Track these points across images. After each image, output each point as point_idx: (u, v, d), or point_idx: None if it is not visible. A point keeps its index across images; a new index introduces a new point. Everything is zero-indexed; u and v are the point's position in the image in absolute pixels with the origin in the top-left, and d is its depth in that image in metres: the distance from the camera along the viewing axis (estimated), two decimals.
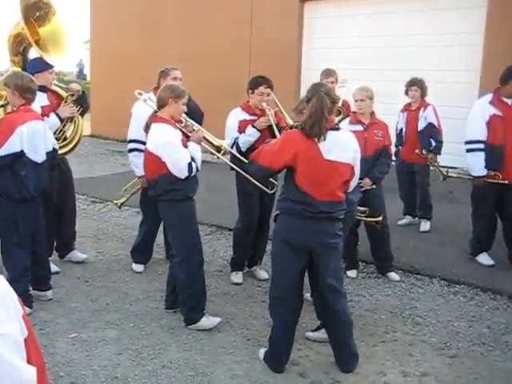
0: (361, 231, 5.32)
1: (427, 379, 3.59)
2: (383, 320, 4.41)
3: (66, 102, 5.07)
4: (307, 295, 4.05)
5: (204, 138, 4.31)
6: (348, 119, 5.22)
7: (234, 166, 4.71)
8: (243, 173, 4.47)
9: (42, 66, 4.85)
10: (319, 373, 3.61)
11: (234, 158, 4.81)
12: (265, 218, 5.09)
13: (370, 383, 3.55)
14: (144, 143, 4.35)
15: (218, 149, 4.36)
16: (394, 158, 6.58)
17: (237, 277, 5.14)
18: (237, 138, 4.85)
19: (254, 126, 4.82)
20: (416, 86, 6.49)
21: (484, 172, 5.31)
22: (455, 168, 6.48)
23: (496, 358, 3.86)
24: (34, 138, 4.18)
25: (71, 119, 5.13)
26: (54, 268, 4.97)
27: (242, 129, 4.88)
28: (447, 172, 6.17)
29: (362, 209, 4.77)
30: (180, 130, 4.14)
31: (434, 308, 4.65)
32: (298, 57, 10.90)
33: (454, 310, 4.61)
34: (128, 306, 4.53)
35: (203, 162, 4.30)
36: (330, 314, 3.63)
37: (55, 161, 4.63)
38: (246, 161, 4.07)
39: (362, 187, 5.03)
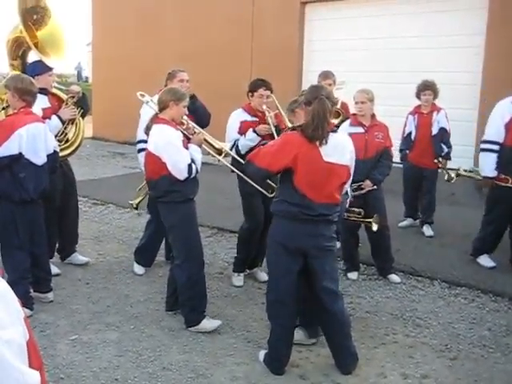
0: (361, 233, 5.33)
1: (427, 381, 3.59)
2: (384, 322, 4.41)
3: (66, 104, 5.08)
4: None
5: (205, 140, 4.33)
6: (348, 121, 5.23)
7: (235, 169, 4.71)
8: (243, 175, 4.47)
9: (41, 68, 4.87)
10: (319, 375, 3.61)
11: (234, 161, 4.82)
12: (268, 219, 5.06)
13: None
14: None
15: (219, 151, 4.37)
16: (400, 161, 6.60)
17: (238, 279, 5.14)
18: (237, 140, 4.87)
19: (254, 131, 4.84)
20: (430, 89, 6.38)
21: (494, 173, 5.22)
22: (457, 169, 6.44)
23: (497, 360, 3.85)
24: (34, 141, 4.19)
25: (72, 121, 5.15)
26: (54, 270, 4.99)
27: (242, 129, 4.90)
28: (458, 172, 6.13)
29: (357, 210, 4.75)
30: (181, 131, 4.16)
31: (435, 310, 4.65)
32: (298, 58, 10.91)
33: (455, 312, 4.61)
34: (128, 308, 4.54)
35: (204, 163, 4.32)
36: (328, 316, 3.62)
37: (56, 163, 4.63)
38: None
39: (362, 189, 5.05)
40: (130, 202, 5.47)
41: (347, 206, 4.36)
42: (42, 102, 4.70)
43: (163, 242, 5.29)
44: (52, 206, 4.86)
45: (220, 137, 4.73)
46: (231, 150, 4.81)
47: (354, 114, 5.23)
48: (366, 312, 4.59)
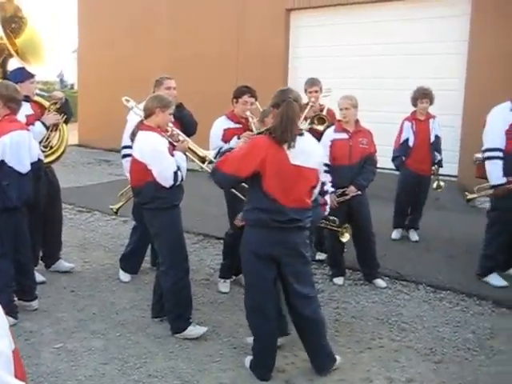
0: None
1: None
2: (369, 327, 4.43)
3: (49, 110, 5.07)
4: None
5: (189, 148, 4.33)
6: (333, 127, 5.27)
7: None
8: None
9: (23, 75, 4.84)
10: (305, 380, 3.61)
11: None
12: None
13: None
14: None
15: (203, 159, 4.37)
16: (396, 168, 6.51)
17: (224, 285, 5.15)
18: (221, 148, 4.90)
19: (239, 138, 4.86)
20: (428, 98, 6.32)
21: (503, 180, 5.02)
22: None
23: (481, 362, 3.89)
24: (18, 148, 4.16)
25: (56, 127, 5.13)
26: (39, 278, 4.96)
27: (226, 136, 4.94)
28: (467, 197, 6.02)
29: (332, 218, 4.75)
30: (166, 138, 4.16)
31: (420, 314, 4.68)
32: (284, 66, 10.97)
33: (440, 316, 4.64)
34: (114, 316, 4.51)
35: (190, 170, 4.32)
36: (300, 319, 3.61)
37: (41, 171, 4.62)
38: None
39: (347, 194, 5.08)
40: (111, 206, 5.47)
41: (326, 213, 4.35)
42: (25, 109, 4.67)
43: (149, 248, 5.28)
44: (36, 214, 4.83)
45: (207, 145, 4.74)
46: (215, 157, 4.78)
47: (339, 121, 5.26)
48: (352, 317, 4.61)
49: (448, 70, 9.06)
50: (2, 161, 4.09)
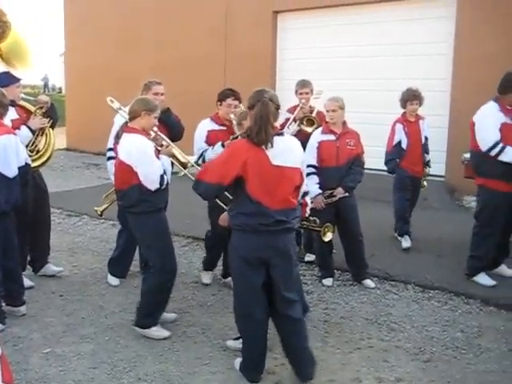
0: (335, 239, 5.35)
1: None
2: (358, 327, 4.45)
3: (35, 114, 5.05)
4: None
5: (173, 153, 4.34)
6: (320, 129, 5.29)
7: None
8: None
9: (8, 79, 4.81)
10: (295, 381, 3.61)
11: None
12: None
13: None
14: None
15: (184, 165, 4.38)
16: (390, 171, 6.40)
17: (207, 277, 5.33)
18: (204, 151, 4.97)
19: (223, 145, 4.91)
20: (417, 99, 6.26)
21: None
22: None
23: (469, 361, 3.91)
24: (5, 153, 4.15)
25: (42, 132, 5.11)
26: (27, 283, 4.93)
27: (210, 138, 5.01)
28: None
29: (312, 218, 4.74)
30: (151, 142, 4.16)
31: (409, 314, 4.70)
32: (272, 68, 10.99)
33: (428, 315, 4.67)
34: (103, 320, 4.50)
35: (175, 172, 4.33)
36: (283, 320, 3.55)
37: (28, 175, 4.59)
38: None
39: (334, 196, 5.10)
40: (96, 208, 5.46)
41: (307, 214, 4.34)
42: (10, 114, 4.64)
43: (137, 252, 5.26)
44: (24, 218, 4.80)
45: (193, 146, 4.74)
46: (198, 160, 4.92)
47: (326, 122, 5.28)
48: (341, 317, 4.62)
49: (434, 71, 9.12)
50: None
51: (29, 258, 5.27)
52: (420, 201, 7.42)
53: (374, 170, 8.11)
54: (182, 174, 4.41)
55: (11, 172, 4.22)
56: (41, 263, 5.39)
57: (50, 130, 5.22)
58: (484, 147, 4.98)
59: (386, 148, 6.43)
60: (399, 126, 6.31)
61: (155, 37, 12.55)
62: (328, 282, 5.33)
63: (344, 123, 5.24)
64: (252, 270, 3.44)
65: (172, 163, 4.35)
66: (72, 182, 10.62)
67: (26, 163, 4.50)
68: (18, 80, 4.90)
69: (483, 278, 5.23)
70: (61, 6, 14.83)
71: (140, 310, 4.23)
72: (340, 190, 5.08)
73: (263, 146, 3.31)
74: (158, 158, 4.06)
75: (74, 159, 13.23)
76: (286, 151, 3.39)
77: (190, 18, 11.93)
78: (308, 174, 4.82)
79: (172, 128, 5.15)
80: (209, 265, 5.40)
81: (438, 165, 8.39)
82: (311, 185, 4.96)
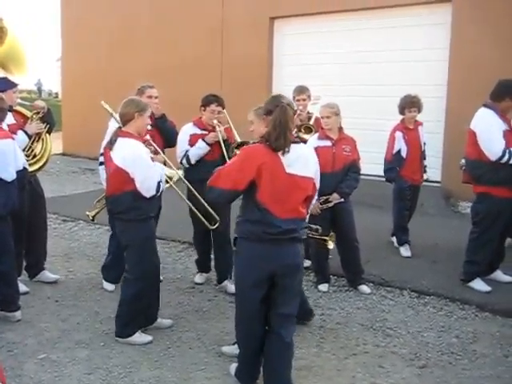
0: None
1: None
2: (354, 333, 4.45)
3: (32, 119, 5.06)
4: None
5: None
6: (316, 135, 5.29)
7: (188, 184, 4.91)
8: (195, 192, 4.82)
9: (5, 85, 4.81)
10: None
11: (188, 171, 5.12)
12: (220, 233, 5.18)
13: None
14: None
15: (170, 178, 4.40)
16: (391, 181, 6.33)
17: (200, 278, 5.50)
18: (187, 151, 5.12)
19: (203, 140, 5.10)
20: (415, 106, 6.17)
21: None
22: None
23: (464, 366, 3.92)
24: (4, 157, 4.18)
25: (39, 137, 5.12)
26: (23, 288, 4.91)
27: (192, 142, 5.15)
28: None
29: (315, 227, 4.75)
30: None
31: (404, 319, 4.71)
32: (268, 73, 11.01)
33: (424, 321, 4.67)
34: (99, 325, 4.49)
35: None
36: (273, 337, 3.44)
37: (25, 179, 4.61)
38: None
39: (330, 202, 5.10)
40: (87, 213, 5.46)
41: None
42: (7, 118, 4.65)
43: None
44: (20, 223, 4.80)
45: None
46: (182, 159, 5.14)
47: (322, 128, 5.28)
48: (337, 323, 4.62)
49: (430, 76, 9.15)
50: None
51: (24, 264, 5.26)
52: (416, 206, 7.44)
53: (371, 175, 8.12)
54: (168, 185, 4.39)
55: (9, 176, 4.24)
56: (36, 269, 5.37)
57: (47, 135, 5.22)
58: (494, 157, 4.94)
59: (386, 156, 6.33)
60: (399, 134, 6.21)
61: (152, 42, 12.56)
62: (324, 287, 5.33)
63: (340, 129, 5.25)
64: (255, 280, 3.34)
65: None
66: (68, 187, 10.60)
67: (24, 167, 4.50)
68: (15, 85, 4.91)
69: (478, 284, 5.24)
70: (55, 11, 14.86)
71: (118, 320, 4.20)
72: (335, 195, 5.08)
73: (280, 152, 3.23)
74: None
75: (70, 164, 13.21)
76: (300, 160, 3.31)
77: (187, 23, 11.94)
78: None
79: (167, 134, 5.20)
80: (200, 264, 5.53)
81: (433, 170, 8.42)
82: None
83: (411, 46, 9.32)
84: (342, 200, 5.11)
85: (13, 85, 4.89)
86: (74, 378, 3.69)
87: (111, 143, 4.05)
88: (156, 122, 5.11)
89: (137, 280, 4.11)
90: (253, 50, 10.93)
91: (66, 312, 4.74)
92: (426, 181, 6.78)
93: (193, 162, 5.14)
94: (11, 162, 4.24)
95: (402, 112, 6.27)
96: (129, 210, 4.01)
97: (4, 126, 4.51)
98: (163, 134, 5.14)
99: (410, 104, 6.18)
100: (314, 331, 4.45)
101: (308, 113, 5.81)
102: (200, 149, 5.11)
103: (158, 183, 4.02)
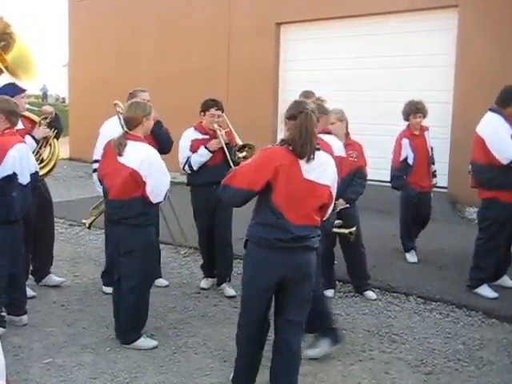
0: (337, 251, 5.36)
1: None
2: (360, 339, 4.43)
3: (40, 124, 5.09)
4: None
5: None
6: None
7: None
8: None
9: (14, 90, 4.85)
10: None
11: (189, 176, 5.25)
12: (222, 236, 5.26)
13: None
14: None
15: None
16: (398, 188, 6.24)
17: (206, 283, 5.52)
18: (189, 157, 5.17)
19: (206, 148, 5.12)
20: (420, 112, 6.06)
21: None
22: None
23: (470, 373, 3.89)
24: (22, 161, 4.24)
25: (46, 142, 5.15)
26: (29, 292, 4.92)
27: (194, 147, 5.19)
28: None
29: (336, 222, 4.72)
30: None
31: (411, 325, 4.69)
32: (274, 79, 11.04)
33: (430, 327, 4.65)
34: (104, 330, 4.49)
35: (179, 183, 4.36)
36: (281, 344, 3.39)
37: (37, 182, 4.68)
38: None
39: (336, 207, 5.09)
40: (84, 221, 5.48)
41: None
42: None
43: None
44: (27, 227, 4.82)
45: None
46: (184, 166, 5.18)
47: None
48: (343, 329, 4.59)
49: (436, 82, 9.16)
50: (14, 173, 4.17)
51: (31, 268, 5.28)
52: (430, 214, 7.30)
53: (376, 181, 8.12)
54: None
55: (25, 179, 4.30)
56: (43, 273, 5.39)
57: (55, 140, 5.26)
58: (505, 161, 4.90)
59: (392, 163, 6.20)
60: (406, 141, 6.11)
61: (158, 49, 12.63)
62: (329, 293, 5.31)
63: (347, 135, 5.25)
64: (264, 287, 3.28)
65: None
66: (74, 191, 10.64)
67: (36, 171, 4.55)
68: (23, 91, 4.95)
69: (485, 290, 5.21)
70: (62, 16, 14.96)
71: (123, 327, 4.20)
72: (341, 201, 5.06)
73: (305, 159, 3.17)
74: None
75: (76, 169, 13.27)
76: (320, 167, 3.24)
77: (193, 30, 11.99)
78: None
79: (162, 140, 5.21)
80: (204, 268, 5.55)
81: (440, 176, 8.30)
82: None
83: (417, 51, 9.34)
84: (348, 206, 5.10)
85: (21, 90, 4.93)
86: (79, 382, 3.69)
87: (120, 148, 4.02)
88: (152, 127, 5.13)
89: (139, 285, 4.12)
90: (259, 55, 10.97)
91: (71, 316, 4.75)
92: (435, 186, 6.65)
93: (195, 168, 5.18)
94: (26, 165, 4.30)
95: (406, 118, 6.17)
96: (138, 216, 4.02)
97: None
98: (158, 140, 5.13)
99: (414, 110, 6.08)
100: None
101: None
102: (202, 156, 5.14)
103: (166, 191, 4.07)
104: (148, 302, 4.26)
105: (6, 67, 5.10)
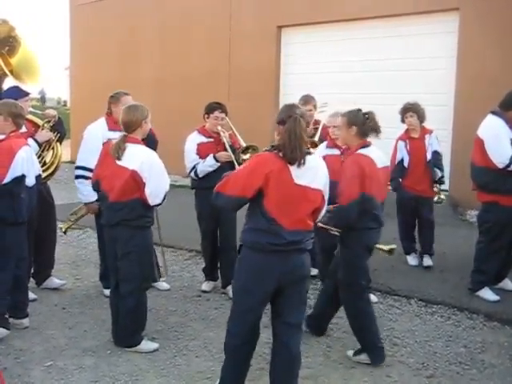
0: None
1: None
2: None
3: (43, 128, 5.11)
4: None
5: None
6: (325, 143, 5.29)
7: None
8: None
9: (18, 93, 4.88)
10: None
11: (194, 181, 5.25)
12: (226, 238, 5.30)
13: None
14: (91, 170, 4.45)
15: None
16: (393, 190, 6.09)
17: (207, 286, 5.52)
18: (197, 164, 5.18)
19: (214, 157, 5.13)
20: (411, 111, 6.00)
21: None
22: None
23: (472, 376, 3.89)
24: (28, 163, 4.27)
25: (49, 145, 5.16)
26: (31, 295, 4.93)
27: (200, 151, 5.20)
28: None
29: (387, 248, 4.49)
30: None
31: (412, 328, 4.68)
32: (275, 82, 11.05)
33: (431, 330, 4.65)
34: (105, 333, 4.48)
35: (181, 186, 4.36)
36: (280, 347, 3.34)
37: (41, 185, 4.71)
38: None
39: None
40: (60, 226, 5.51)
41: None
42: None
43: None
44: (30, 230, 4.82)
45: None
46: (190, 172, 5.20)
47: (331, 137, 5.27)
48: (344, 332, 4.59)
49: (438, 85, 9.16)
50: (23, 175, 4.20)
51: (32, 271, 5.28)
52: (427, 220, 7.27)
53: None
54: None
55: (31, 181, 4.34)
56: (44, 276, 5.40)
57: (58, 143, 5.27)
58: (501, 164, 4.91)
59: (389, 166, 6.16)
60: (401, 144, 6.12)
61: (159, 52, 12.66)
62: (374, 298, 5.26)
63: None
64: (260, 295, 3.26)
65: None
66: (76, 194, 10.56)
67: (39, 174, 4.58)
68: (26, 94, 4.98)
69: (487, 293, 5.20)
70: (64, 20, 15.02)
71: (124, 332, 4.19)
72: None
73: (295, 164, 3.15)
74: None
75: None
76: (311, 171, 3.23)
77: (194, 34, 12.02)
78: None
79: (148, 141, 5.18)
80: (206, 271, 5.55)
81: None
82: None
83: (418, 54, 9.34)
84: None
85: (25, 94, 4.96)
86: None
87: (119, 152, 4.02)
88: None
89: (138, 287, 4.14)
90: (260, 58, 10.99)
91: (73, 319, 4.76)
92: (440, 192, 6.28)
93: (201, 176, 5.19)
94: (31, 167, 4.34)
95: (402, 121, 6.16)
96: (138, 218, 4.04)
97: None
98: (144, 141, 5.13)
99: (405, 109, 6.06)
100: (321, 340, 4.43)
101: (316, 120, 5.81)
102: (210, 166, 5.14)
103: (165, 194, 4.07)
104: (146, 304, 4.27)
105: (11, 71, 5.12)
